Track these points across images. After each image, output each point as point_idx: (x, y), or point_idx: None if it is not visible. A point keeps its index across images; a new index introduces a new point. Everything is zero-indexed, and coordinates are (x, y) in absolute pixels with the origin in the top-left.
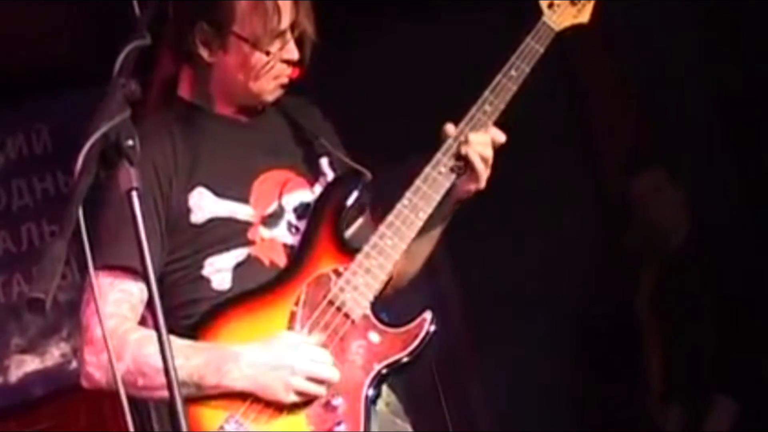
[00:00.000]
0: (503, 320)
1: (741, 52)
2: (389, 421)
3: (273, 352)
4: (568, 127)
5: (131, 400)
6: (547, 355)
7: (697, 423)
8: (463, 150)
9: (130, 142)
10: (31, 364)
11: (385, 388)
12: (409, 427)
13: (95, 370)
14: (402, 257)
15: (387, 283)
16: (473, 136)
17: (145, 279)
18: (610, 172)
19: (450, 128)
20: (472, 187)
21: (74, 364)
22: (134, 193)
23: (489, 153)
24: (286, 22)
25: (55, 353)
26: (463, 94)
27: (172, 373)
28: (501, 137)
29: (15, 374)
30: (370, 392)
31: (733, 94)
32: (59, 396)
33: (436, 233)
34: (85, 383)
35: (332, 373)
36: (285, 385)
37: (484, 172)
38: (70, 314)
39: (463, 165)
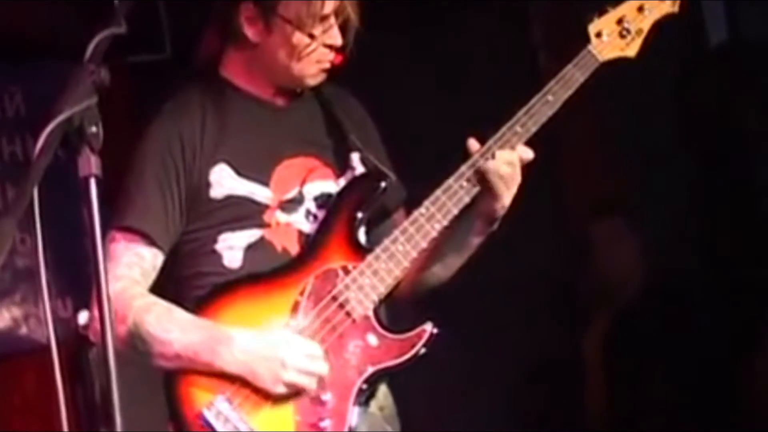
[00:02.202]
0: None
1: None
2: (380, 427)
3: (267, 342)
4: (537, 164)
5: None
6: (491, 389)
7: None
8: (483, 167)
9: (94, 129)
10: None
11: (382, 392)
12: None
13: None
14: (413, 264)
15: (394, 288)
16: (499, 153)
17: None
18: (573, 214)
19: (473, 143)
20: (496, 205)
21: (24, 330)
22: (92, 180)
23: (509, 171)
24: (329, 7)
25: (6, 316)
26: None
27: (109, 337)
28: (528, 154)
29: None
30: (360, 393)
31: (706, 154)
32: (6, 360)
33: (465, 250)
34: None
35: (322, 368)
36: (275, 377)
37: (504, 191)
38: (25, 279)
39: (482, 181)
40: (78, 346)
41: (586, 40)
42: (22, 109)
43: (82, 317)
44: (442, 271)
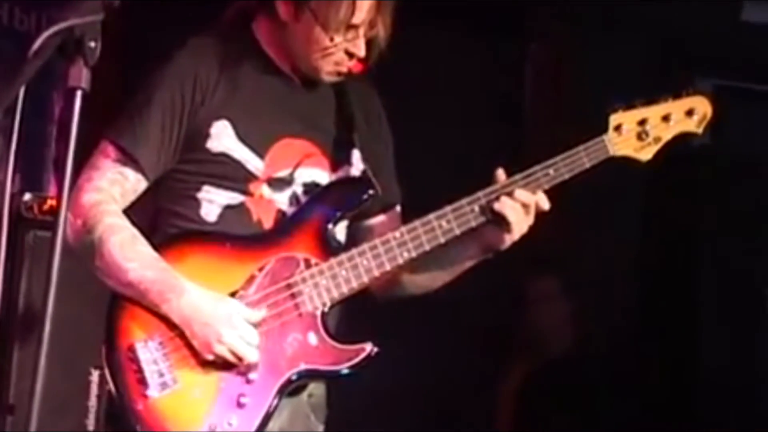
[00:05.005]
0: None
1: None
2: (303, 415)
3: (213, 310)
4: None
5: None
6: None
7: None
8: (502, 201)
9: (92, 44)
10: None
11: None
12: (320, 428)
13: (70, 231)
14: (372, 282)
15: (347, 297)
16: (518, 192)
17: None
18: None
19: (501, 174)
20: (505, 239)
21: None
22: (78, 93)
23: (523, 211)
24: (360, 18)
25: None
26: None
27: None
28: (545, 204)
29: None
30: (287, 384)
31: (656, 239)
32: None
33: (454, 270)
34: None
35: (252, 356)
36: (207, 344)
37: (516, 228)
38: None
39: (495, 214)
40: (16, 225)
41: (604, 128)
42: None
43: (27, 196)
44: (426, 281)
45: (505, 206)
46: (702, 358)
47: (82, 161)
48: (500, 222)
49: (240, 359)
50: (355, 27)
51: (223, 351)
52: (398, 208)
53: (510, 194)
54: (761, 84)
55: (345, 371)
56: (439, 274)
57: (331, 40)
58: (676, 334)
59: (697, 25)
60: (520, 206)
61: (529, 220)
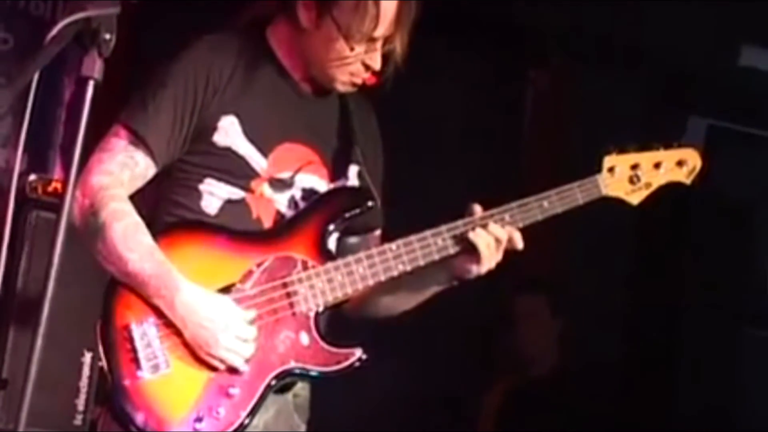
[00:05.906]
0: None
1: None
2: (288, 414)
3: (207, 310)
4: None
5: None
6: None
7: None
8: (475, 233)
9: (108, 36)
10: None
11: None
12: (303, 427)
13: (77, 209)
14: (365, 289)
15: (341, 302)
16: (492, 226)
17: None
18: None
19: (477, 208)
20: (473, 270)
21: None
22: (91, 83)
23: (495, 245)
24: (381, 31)
25: None
26: None
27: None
28: (519, 244)
29: None
30: (276, 380)
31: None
32: None
33: (420, 294)
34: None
35: (249, 352)
36: (204, 345)
37: (486, 261)
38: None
39: (467, 244)
40: (19, 204)
41: (598, 168)
42: None
43: (32, 177)
44: (393, 304)
45: (479, 240)
46: (680, 388)
47: (87, 149)
48: (471, 251)
49: (239, 355)
50: (375, 40)
51: (221, 354)
52: (379, 232)
53: (485, 226)
54: (756, 127)
55: (314, 373)
56: (406, 297)
57: (351, 49)
58: (659, 362)
59: (695, 67)
60: (494, 240)
61: (498, 256)
